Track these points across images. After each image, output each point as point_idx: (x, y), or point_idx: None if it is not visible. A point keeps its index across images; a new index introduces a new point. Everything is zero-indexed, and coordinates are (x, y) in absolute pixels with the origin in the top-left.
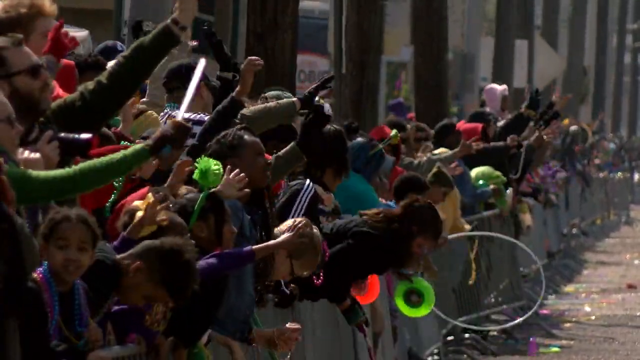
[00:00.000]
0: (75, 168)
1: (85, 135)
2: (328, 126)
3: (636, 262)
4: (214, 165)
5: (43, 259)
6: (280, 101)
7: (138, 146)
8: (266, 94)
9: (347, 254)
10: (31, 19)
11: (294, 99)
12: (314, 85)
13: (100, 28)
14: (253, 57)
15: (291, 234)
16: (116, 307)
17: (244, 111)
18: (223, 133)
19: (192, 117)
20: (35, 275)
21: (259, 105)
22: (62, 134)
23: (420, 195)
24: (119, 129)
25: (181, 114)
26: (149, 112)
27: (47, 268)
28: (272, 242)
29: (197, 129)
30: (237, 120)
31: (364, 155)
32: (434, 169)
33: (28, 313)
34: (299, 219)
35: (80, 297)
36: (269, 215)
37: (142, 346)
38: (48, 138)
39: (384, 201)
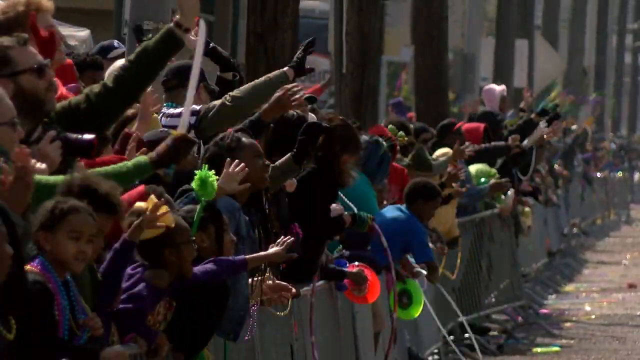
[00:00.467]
0: None
1: (88, 136)
2: (292, 112)
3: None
4: (211, 177)
5: (44, 248)
6: (269, 75)
7: (141, 159)
8: None
9: (309, 207)
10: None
11: (285, 68)
12: (299, 52)
13: (100, 28)
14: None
15: (281, 247)
16: (120, 306)
17: (234, 92)
18: (221, 135)
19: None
20: (32, 268)
21: (248, 84)
22: (65, 134)
23: (432, 202)
24: (132, 129)
25: (184, 123)
26: None
27: (42, 260)
28: (263, 253)
29: (191, 120)
30: (229, 103)
31: (376, 155)
32: (413, 151)
33: (33, 307)
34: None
35: (74, 285)
36: (268, 217)
37: (142, 346)
38: (51, 138)
39: (385, 202)
